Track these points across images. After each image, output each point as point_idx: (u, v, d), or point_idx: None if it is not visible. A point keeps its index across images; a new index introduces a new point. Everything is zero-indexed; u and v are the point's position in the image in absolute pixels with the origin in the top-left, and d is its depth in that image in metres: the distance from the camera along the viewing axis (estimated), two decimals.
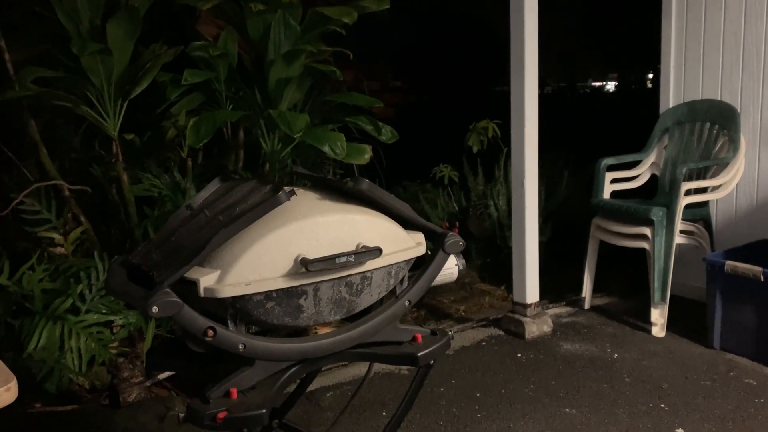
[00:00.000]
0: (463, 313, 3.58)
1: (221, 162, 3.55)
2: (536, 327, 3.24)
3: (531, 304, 3.25)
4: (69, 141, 3.25)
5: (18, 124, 3.10)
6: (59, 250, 2.99)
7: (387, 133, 3.50)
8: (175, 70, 3.11)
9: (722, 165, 3.25)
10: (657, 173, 3.63)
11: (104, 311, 2.78)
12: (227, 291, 1.48)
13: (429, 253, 1.77)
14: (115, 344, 2.84)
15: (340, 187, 1.74)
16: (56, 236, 2.96)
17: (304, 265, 1.51)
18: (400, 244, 1.69)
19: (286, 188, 1.60)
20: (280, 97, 3.33)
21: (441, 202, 4.31)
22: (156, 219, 3.03)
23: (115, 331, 2.85)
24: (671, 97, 3.67)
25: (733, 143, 3.25)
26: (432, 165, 4.57)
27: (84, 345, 2.70)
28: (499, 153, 4.30)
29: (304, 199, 1.69)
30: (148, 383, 2.83)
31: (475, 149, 4.25)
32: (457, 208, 4.31)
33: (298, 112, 3.41)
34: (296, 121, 3.06)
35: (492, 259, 4.05)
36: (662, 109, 3.70)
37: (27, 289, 2.72)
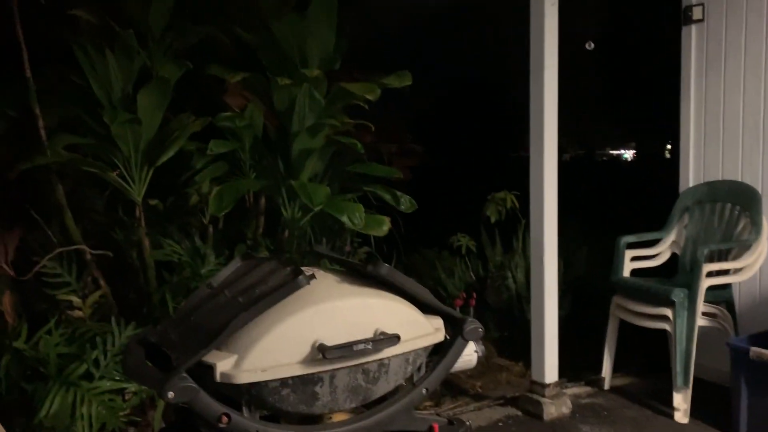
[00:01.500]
0: (480, 390, 3.51)
1: (241, 229, 3.59)
2: (555, 408, 3.15)
3: (550, 384, 3.18)
4: (93, 205, 3.31)
5: (45, 187, 3.17)
6: (77, 313, 3.00)
7: (406, 203, 3.53)
8: (202, 138, 3.19)
9: (744, 247, 3.21)
10: (677, 252, 3.60)
11: (117, 378, 2.76)
12: (243, 377, 1.47)
13: (447, 338, 1.75)
14: (126, 412, 2.81)
15: (359, 269, 1.74)
16: (75, 299, 2.98)
17: (321, 352, 1.50)
18: (419, 330, 1.67)
19: (306, 271, 1.60)
20: (302, 167, 3.39)
21: (458, 271, 4.29)
22: (175, 285, 3.04)
23: (126, 398, 2.82)
24: (691, 175, 3.67)
25: (756, 225, 3.22)
26: (448, 232, 4.57)
27: (96, 412, 2.67)
28: (517, 224, 4.30)
29: (324, 281, 1.69)
30: None
31: (493, 219, 4.25)
32: (474, 278, 4.29)
33: (318, 182, 3.46)
34: (317, 193, 3.10)
35: (510, 332, 3.99)
36: (682, 187, 3.70)
37: (43, 353, 2.71)
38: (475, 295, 4.13)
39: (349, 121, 3.49)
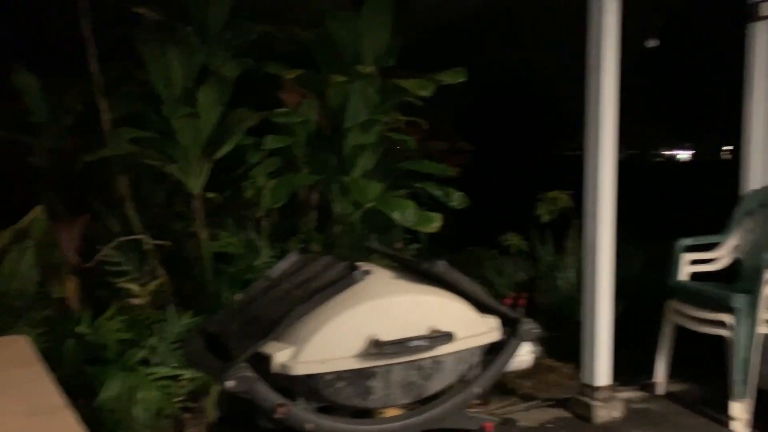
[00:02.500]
0: (529, 390, 3.47)
1: (294, 223, 3.64)
2: (606, 412, 3.09)
3: (601, 387, 3.12)
4: (153, 196, 3.42)
5: (108, 179, 3.29)
6: (136, 300, 3.10)
7: (457, 200, 3.52)
8: (258, 133, 3.25)
9: None
10: (739, 256, 3.48)
11: (174, 364, 2.84)
12: (300, 369, 1.50)
13: (502, 338, 1.74)
14: (180, 398, 2.89)
15: (414, 266, 1.75)
16: (134, 287, 3.08)
17: (376, 347, 1.52)
18: (474, 329, 1.67)
19: (361, 267, 1.62)
20: (355, 163, 3.42)
21: (508, 270, 4.25)
22: (229, 276, 3.11)
23: (181, 384, 2.90)
24: (754, 177, 3.54)
25: None
26: (498, 230, 4.52)
27: (152, 397, 2.76)
28: (569, 224, 4.23)
29: (379, 277, 1.70)
30: None
31: (544, 219, 4.19)
32: (524, 277, 4.24)
33: (370, 178, 3.48)
34: (369, 189, 3.12)
35: (559, 333, 3.93)
36: (743, 189, 3.57)
37: (103, 339, 2.82)
38: (524, 295, 4.11)
39: (401, 117, 3.50)
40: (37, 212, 3.14)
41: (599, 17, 2.95)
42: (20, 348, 1.79)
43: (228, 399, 3.08)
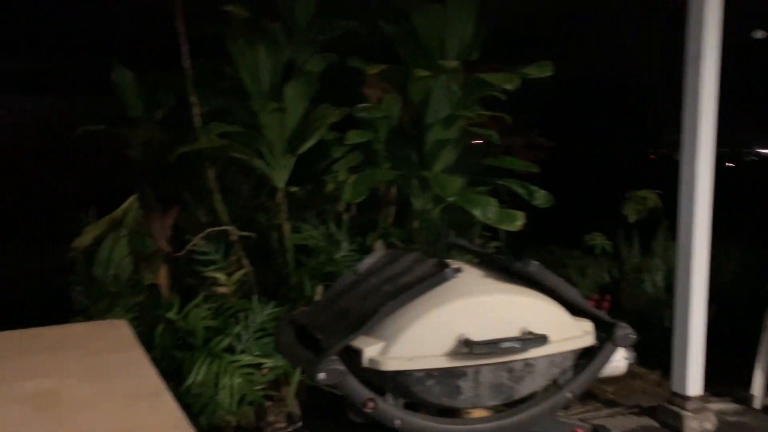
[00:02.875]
0: (611, 395, 3.36)
1: (373, 217, 3.65)
2: (697, 423, 2.94)
3: (692, 397, 2.97)
4: (239, 189, 3.51)
5: (197, 171, 3.41)
6: (221, 289, 3.20)
7: (541, 198, 3.43)
8: (340, 128, 3.28)
9: None
10: None
11: (257, 353, 2.91)
12: (390, 364, 1.50)
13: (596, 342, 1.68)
14: (262, 386, 2.96)
15: (504, 265, 1.71)
16: (221, 276, 3.17)
17: (467, 347, 1.49)
18: (567, 332, 1.62)
19: (452, 264, 1.60)
20: (436, 159, 3.39)
21: (591, 271, 4.11)
22: (311, 268, 3.16)
23: (263, 373, 2.97)
24: None
25: None
26: (580, 230, 4.39)
27: (236, 384, 2.84)
28: (657, 224, 4.05)
29: (468, 275, 1.68)
30: (290, 430, 2.91)
31: (631, 219, 4.03)
32: (608, 279, 4.09)
33: (450, 174, 3.44)
34: (450, 184, 3.09)
35: (645, 338, 3.77)
36: None
37: (192, 325, 2.92)
38: (608, 297, 3.97)
39: (483, 112, 3.44)
40: (131, 202, 3.29)
41: (700, 6, 2.79)
42: (121, 332, 1.87)
43: (307, 390, 3.14)
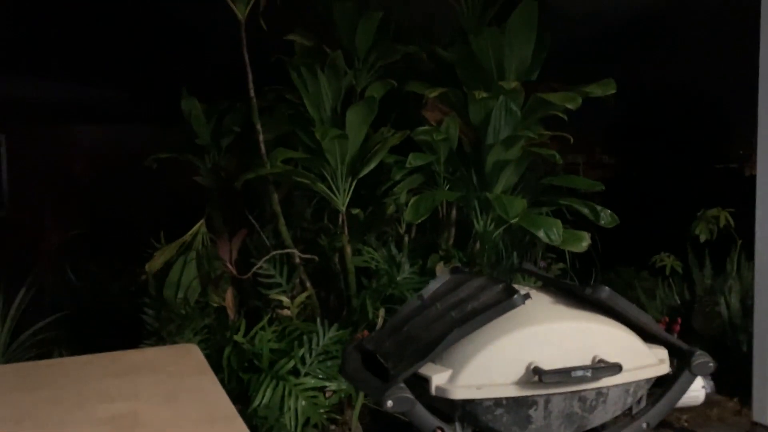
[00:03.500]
0: (686, 424, 3.21)
1: (434, 239, 3.65)
2: None
3: None
4: (302, 213, 3.58)
5: (261, 196, 3.50)
6: (285, 312, 3.25)
7: (606, 218, 3.35)
8: (399, 151, 3.30)
9: None
10: None
11: (321, 376, 2.94)
12: (458, 393, 1.48)
13: (672, 372, 1.62)
14: (326, 409, 2.98)
15: (574, 291, 1.68)
16: (285, 299, 3.23)
17: (537, 375, 1.47)
18: (641, 360, 1.57)
19: (521, 290, 1.58)
20: (496, 180, 3.37)
21: (660, 293, 3.97)
22: (373, 291, 3.17)
23: (327, 396, 2.99)
24: None
25: None
26: (648, 250, 4.25)
27: (301, 407, 2.87)
28: (731, 244, 3.88)
29: (537, 301, 1.65)
30: None
31: (702, 238, 3.88)
32: (678, 301, 3.94)
33: (512, 195, 3.41)
34: (513, 206, 3.06)
35: (722, 363, 3.60)
36: None
37: (257, 348, 2.98)
38: (679, 320, 3.81)
39: (545, 132, 3.40)
40: (199, 226, 3.40)
41: None
42: (193, 356, 1.93)
43: (371, 414, 3.14)
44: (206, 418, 1.48)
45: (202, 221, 3.36)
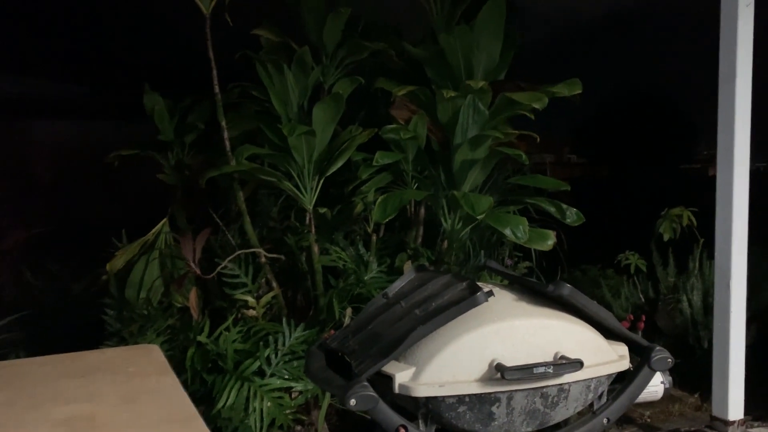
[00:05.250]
0: (649, 420, 3.26)
1: (402, 238, 3.64)
2: None
3: (734, 422, 2.88)
4: (268, 211, 3.53)
5: (227, 194, 3.44)
6: (251, 312, 3.21)
7: (572, 216, 3.37)
8: (368, 149, 3.29)
9: None
10: None
11: (286, 376, 2.91)
12: (422, 390, 1.47)
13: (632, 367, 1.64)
14: (292, 410, 2.95)
15: (537, 288, 1.68)
16: (250, 299, 3.18)
17: (500, 372, 1.46)
18: (602, 357, 1.58)
19: (484, 287, 1.57)
20: (464, 179, 3.37)
21: (625, 291, 4.03)
22: (340, 290, 3.15)
23: (293, 396, 2.96)
24: None
25: None
26: (613, 248, 4.31)
27: (266, 408, 2.83)
28: (693, 242, 3.96)
29: (500, 298, 1.65)
30: None
31: (666, 237, 3.95)
32: (643, 299, 4.00)
33: (479, 194, 3.42)
34: (479, 203, 3.06)
35: (684, 360, 3.67)
36: None
37: (222, 348, 2.93)
38: (644, 318, 3.87)
39: (512, 131, 3.41)
40: (162, 225, 3.34)
41: (732, 24, 2.75)
42: (153, 357, 1.88)
43: (337, 414, 3.11)
44: (165, 419, 1.44)
45: (165, 220, 3.30)
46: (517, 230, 3.09)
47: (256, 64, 3.15)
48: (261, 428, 2.79)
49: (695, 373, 3.40)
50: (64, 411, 1.49)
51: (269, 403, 2.82)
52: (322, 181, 3.20)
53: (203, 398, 2.90)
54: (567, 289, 1.57)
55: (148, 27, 4.58)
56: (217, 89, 3.16)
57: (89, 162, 4.04)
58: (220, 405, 2.79)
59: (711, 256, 3.49)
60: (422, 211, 3.73)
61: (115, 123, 4.33)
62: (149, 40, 4.59)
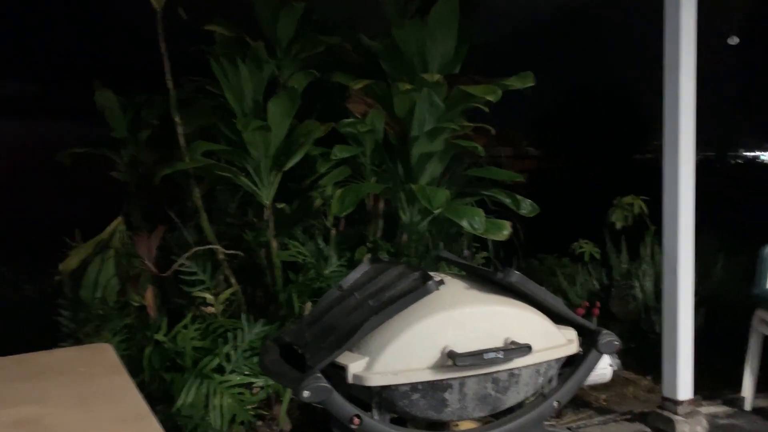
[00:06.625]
0: (604, 403, 3.35)
1: (361, 232, 3.66)
2: (688, 427, 2.95)
3: (683, 402, 2.98)
4: (226, 207, 3.50)
5: (183, 191, 3.40)
6: (210, 309, 3.18)
7: (527, 207, 3.44)
8: (325, 144, 3.29)
9: None
10: None
11: (246, 372, 2.89)
12: (375, 380, 1.49)
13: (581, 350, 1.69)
14: (253, 405, 2.94)
15: (488, 276, 1.72)
16: (208, 296, 3.15)
17: (451, 359, 1.49)
18: (551, 341, 1.62)
19: (435, 276, 1.60)
20: (422, 172, 3.40)
21: (580, 279, 4.12)
22: (299, 285, 3.15)
23: (254, 392, 2.95)
24: None
25: None
26: (568, 237, 4.40)
27: (227, 404, 2.82)
28: (645, 230, 4.07)
29: (452, 287, 1.68)
30: None
31: (618, 225, 4.05)
32: (597, 286, 4.10)
33: (437, 186, 3.46)
34: (436, 197, 3.10)
35: (637, 344, 3.79)
36: None
37: (180, 346, 2.90)
38: (598, 304, 3.98)
39: (468, 124, 3.46)
40: (117, 223, 3.28)
41: (675, 15, 2.84)
42: (106, 356, 1.85)
43: (299, 408, 3.12)
44: (117, 418, 1.43)
45: (119, 218, 3.24)
46: (473, 221, 3.13)
47: (209, 59, 3.12)
48: (222, 425, 2.78)
49: (648, 356, 3.51)
50: (11, 414, 1.46)
51: (229, 400, 2.81)
52: (279, 176, 3.19)
53: (163, 397, 2.87)
54: (516, 276, 1.61)
55: (99, 22, 4.49)
56: (170, 85, 3.11)
57: (40, 161, 3.95)
58: (179, 403, 2.76)
59: (661, 243, 3.60)
60: (381, 204, 3.75)
61: (66, 121, 4.23)
62: (100, 35, 4.50)
